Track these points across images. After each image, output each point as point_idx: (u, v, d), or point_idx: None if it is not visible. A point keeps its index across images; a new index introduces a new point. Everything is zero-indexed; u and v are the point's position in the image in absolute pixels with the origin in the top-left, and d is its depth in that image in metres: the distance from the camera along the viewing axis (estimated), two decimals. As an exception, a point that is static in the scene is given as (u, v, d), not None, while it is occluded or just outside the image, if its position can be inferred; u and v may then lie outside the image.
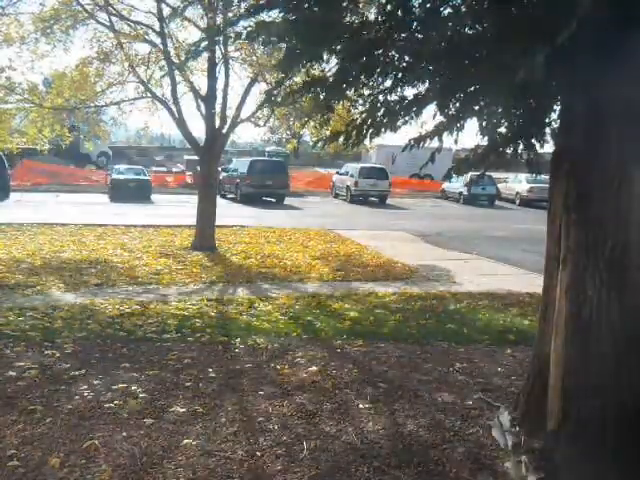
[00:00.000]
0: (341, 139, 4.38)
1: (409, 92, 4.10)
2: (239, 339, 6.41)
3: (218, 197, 14.69)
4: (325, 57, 4.04)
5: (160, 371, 5.37)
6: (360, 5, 4.06)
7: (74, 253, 11.66)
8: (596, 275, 3.50)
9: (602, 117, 3.48)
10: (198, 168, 14.10)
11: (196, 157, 14.81)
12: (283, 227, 16.87)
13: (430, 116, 4.12)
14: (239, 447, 4.03)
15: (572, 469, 3.51)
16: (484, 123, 4.16)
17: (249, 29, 3.93)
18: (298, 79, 4.69)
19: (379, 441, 4.19)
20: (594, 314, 3.51)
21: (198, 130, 14.18)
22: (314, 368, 5.56)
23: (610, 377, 3.50)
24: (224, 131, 12.44)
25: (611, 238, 3.47)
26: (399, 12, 3.81)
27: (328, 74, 4.17)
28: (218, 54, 11.72)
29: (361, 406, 4.77)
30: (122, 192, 25.25)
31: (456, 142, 4.26)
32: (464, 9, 3.68)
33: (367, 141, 4.45)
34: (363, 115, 4.28)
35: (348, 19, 3.98)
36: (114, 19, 11.70)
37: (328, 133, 6.66)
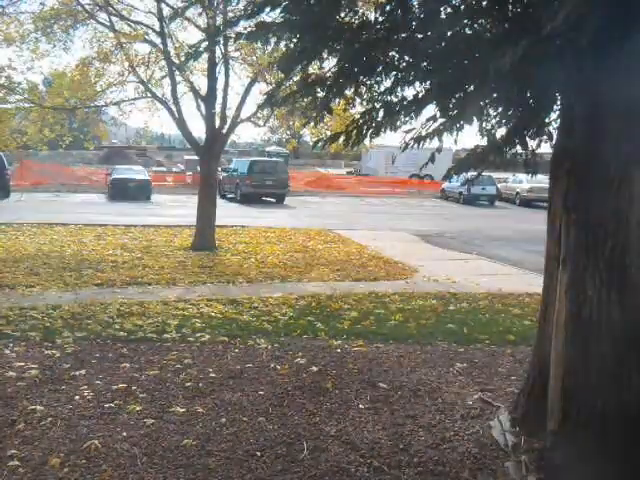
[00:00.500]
0: (341, 139, 4.37)
1: (409, 92, 4.10)
2: (239, 339, 6.40)
3: (218, 197, 14.70)
4: (325, 57, 4.05)
5: (160, 371, 5.37)
6: (359, 5, 4.06)
7: (74, 253, 11.66)
8: (596, 275, 3.50)
9: (602, 117, 3.48)
10: (198, 168, 14.10)
11: (196, 157, 14.81)
12: (283, 227, 16.87)
13: (430, 116, 4.12)
14: (239, 447, 4.03)
15: (572, 469, 3.51)
16: (483, 123, 4.16)
17: (249, 29, 3.93)
18: (298, 79, 4.68)
19: (379, 441, 4.18)
20: (594, 314, 3.52)
21: (198, 130, 14.21)
22: (314, 368, 5.56)
23: (610, 377, 3.50)
24: (224, 131, 12.44)
25: (611, 238, 3.47)
26: (399, 12, 3.81)
27: (328, 74, 4.17)
28: (218, 54, 11.72)
29: (361, 406, 4.77)
30: (122, 192, 25.26)
31: (456, 142, 4.26)
32: (463, 9, 3.68)
33: (367, 141, 4.45)
34: (363, 115, 4.28)
35: (348, 19, 3.98)
36: (114, 19, 11.71)
37: (328, 133, 6.66)
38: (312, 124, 4.97)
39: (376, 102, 4.20)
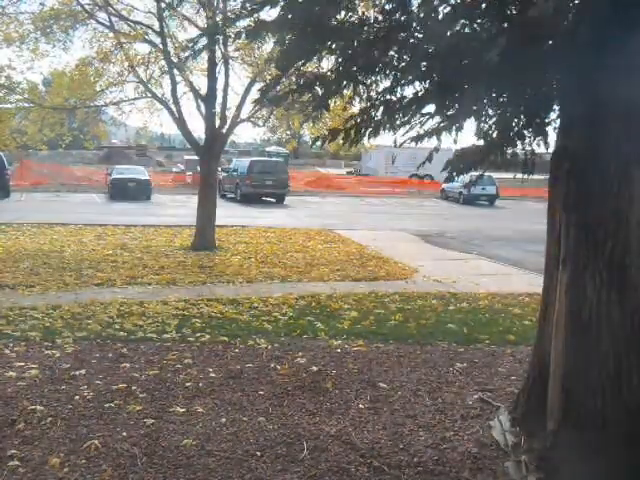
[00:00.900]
0: (340, 138, 4.37)
1: (408, 92, 4.10)
2: (239, 339, 6.40)
3: (218, 197, 14.70)
4: (324, 56, 4.04)
5: (160, 371, 5.37)
6: (358, 4, 4.05)
7: (74, 253, 11.66)
8: (596, 275, 3.50)
9: (602, 117, 3.48)
10: (198, 168, 14.11)
11: (196, 157, 14.81)
12: (283, 227, 16.87)
13: (429, 115, 4.12)
14: (239, 447, 4.03)
15: (572, 469, 3.51)
16: (482, 124, 4.15)
17: (249, 28, 3.93)
18: (296, 77, 4.68)
19: (379, 441, 4.18)
20: (594, 314, 3.51)
21: (198, 130, 14.20)
22: (314, 368, 5.55)
23: (610, 377, 3.50)
24: (224, 131, 12.44)
25: (611, 238, 3.47)
26: (399, 12, 3.80)
27: (327, 73, 4.16)
28: (218, 54, 11.72)
29: (361, 406, 4.77)
30: (122, 192, 25.26)
31: (455, 142, 4.26)
32: (463, 9, 3.67)
33: (366, 141, 4.45)
34: (362, 114, 4.27)
35: (347, 18, 3.97)
36: (114, 19, 11.72)
37: (327, 132, 6.66)
38: (311, 123, 4.96)
39: (375, 101, 4.20)
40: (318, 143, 4.59)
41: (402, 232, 17.06)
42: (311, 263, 11.34)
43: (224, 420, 4.42)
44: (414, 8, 3.80)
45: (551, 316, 3.91)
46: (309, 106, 4.32)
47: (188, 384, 5.09)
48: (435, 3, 3.66)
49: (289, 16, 3.76)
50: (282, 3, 3.73)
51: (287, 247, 13.34)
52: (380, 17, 3.89)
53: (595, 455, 3.42)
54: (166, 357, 5.73)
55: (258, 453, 3.95)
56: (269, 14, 4.05)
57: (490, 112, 4.13)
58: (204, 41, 4.23)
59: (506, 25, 3.57)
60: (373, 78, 4.11)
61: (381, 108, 4.10)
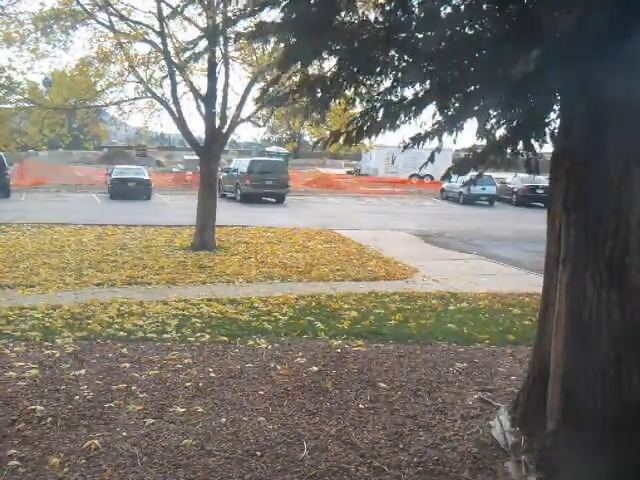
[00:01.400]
0: (342, 139, 4.37)
1: (409, 92, 4.10)
2: (239, 339, 6.41)
3: (218, 197, 14.70)
4: (324, 56, 4.04)
5: (160, 371, 5.37)
6: (359, 5, 4.05)
7: (74, 253, 11.66)
8: (596, 275, 3.50)
9: (602, 117, 3.48)
10: (198, 168, 14.11)
11: (196, 157, 14.81)
12: (283, 227, 16.87)
13: (430, 116, 4.12)
14: (239, 447, 4.03)
15: (572, 469, 3.51)
16: (483, 123, 4.15)
17: (249, 29, 3.93)
18: (297, 78, 4.68)
19: (379, 441, 4.18)
20: (594, 314, 3.51)
21: (198, 130, 14.20)
22: (314, 368, 5.55)
23: (610, 377, 3.50)
24: (224, 131, 12.44)
25: (611, 238, 3.47)
26: (399, 12, 3.81)
27: (328, 74, 4.17)
28: (218, 54, 11.71)
29: (361, 406, 4.77)
30: (122, 192, 25.25)
31: (455, 142, 4.26)
32: (463, 9, 3.68)
33: (367, 141, 4.45)
34: (363, 115, 4.27)
35: (347, 19, 3.97)
36: (114, 19, 11.71)
37: (328, 133, 6.66)
38: (311, 123, 4.96)
39: (376, 102, 4.20)
40: (319, 145, 4.59)
41: (402, 232, 17.06)
42: (311, 263, 11.34)
43: (224, 420, 4.42)
44: (414, 8, 3.80)
45: (551, 316, 3.91)
46: (310, 107, 4.32)
47: (188, 384, 5.09)
48: (435, 3, 3.66)
49: (289, 17, 3.76)
50: (283, 4, 3.73)
51: (287, 247, 13.35)
52: (380, 17, 3.89)
53: (595, 455, 3.42)
54: (166, 357, 5.74)
55: (258, 453, 3.95)
56: (269, 15, 4.06)
57: (490, 112, 4.13)
58: (204, 43, 4.24)
59: (507, 26, 3.58)
60: (374, 79, 4.11)
61: (382, 109, 4.10)
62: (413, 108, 4.04)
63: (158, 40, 11.56)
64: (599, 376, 3.51)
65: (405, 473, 3.76)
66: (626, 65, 3.25)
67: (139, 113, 13.87)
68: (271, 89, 4.88)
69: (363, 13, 4.13)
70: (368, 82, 4.17)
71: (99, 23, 11.84)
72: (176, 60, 11.41)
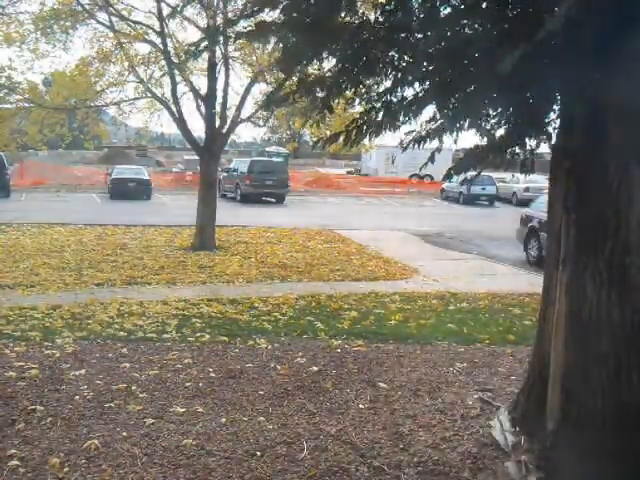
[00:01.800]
0: (341, 139, 4.37)
1: (409, 92, 4.10)
2: (239, 339, 6.41)
3: (218, 197, 14.69)
4: (325, 57, 4.04)
5: (160, 371, 5.37)
6: (359, 5, 4.05)
7: (74, 253, 11.66)
8: (596, 275, 3.50)
9: (602, 117, 3.48)
10: (198, 168, 14.12)
11: (196, 157, 14.81)
12: (283, 227, 16.87)
13: (430, 116, 4.12)
14: (239, 447, 4.03)
15: (572, 469, 3.51)
16: (483, 123, 4.15)
17: (249, 29, 3.93)
18: (297, 79, 4.67)
19: (379, 441, 4.18)
20: (594, 314, 3.51)
21: (198, 130, 14.20)
22: (314, 368, 5.55)
23: (610, 377, 3.50)
24: (224, 131, 12.44)
25: (611, 238, 3.47)
26: (399, 12, 3.80)
27: (327, 74, 4.17)
28: (218, 54, 11.72)
29: (361, 406, 4.77)
30: (122, 192, 25.25)
31: (455, 142, 4.26)
32: (463, 9, 3.68)
33: (367, 141, 4.45)
34: (363, 115, 4.28)
35: (347, 19, 3.97)
36: (114, 19, 11.71)
37: (328, 133, 6.66)
38: (312, 124, 4.96)
39: (376, 102, 4.20)
40: (319, 145, 4.59)
41: (402, 232, 17.06)
42: (311, 263, 11.34)
43: (224, 420, 4.42)
44: (414, 8, 3.80)
45: (551, 316, 3.91)
46: (311, 108, 4.33)
47: (188, 384, 5.09)
48: (436, 4, 3.67)
49: (289, 17, 3.76)
50: (283, 4, 3.73)
51: (287, 247, 13.34)
52: (380, 17, 3.89)
53: (595, 455, 3.42)
54: (166, 357, 5.74)
55: (258, 453, 3.95)
56: (270, 15, 4.05)
57: (491, 112, 4.14)
58: (205, 43, 4.23)
59: (507, 26, 3.57)
60: (374, 79, 4.11)
61: (382, 109, 4.10)
62: (413, 108, 4.04)
63: (158, 40, 11.56)
64: (599, 376, 3.51)
65: (405, 473, 3.77)
66: (626, 65, 3.25)
67: (139, 113, 13.90)
68: (272, 90, 4.87)
69: (363, 13, 4.12)
70: (368, 82, 4.17)
71: (99, 23, 11.85)
72: (176, 60, 11.42)
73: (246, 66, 12.43)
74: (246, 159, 30.11)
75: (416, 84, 4.01)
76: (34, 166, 33.35)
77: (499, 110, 4.17)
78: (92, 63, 12.19)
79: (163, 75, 11.81)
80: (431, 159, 4.27)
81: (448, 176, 4.68)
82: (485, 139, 4.27)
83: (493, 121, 4.22)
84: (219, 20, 10.19)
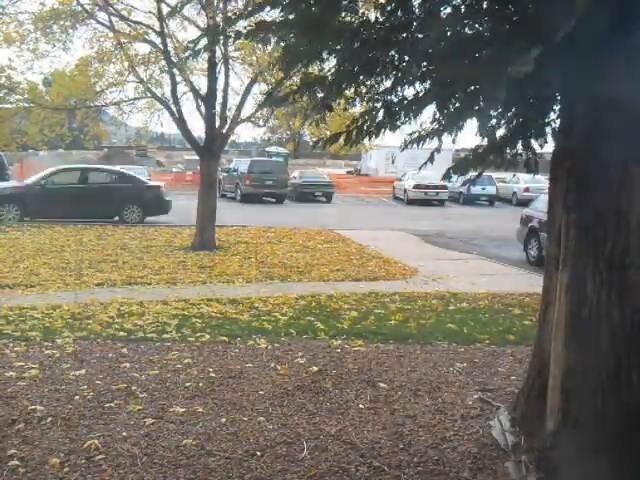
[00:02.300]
0: (341, 139, 4.37)
1: (409, 92, 4.10)
2: (239, 339, 6.41)
3: (218, 197, 14.69)
4: (325, 57, 4.04)
5: (160, 371, 5.37)
6: (359, 5, 4.05)
7: (74, 253, 11.66)
8: (596, 275, 3.50)
9: (602, 117, 3.48)
10: (198, 168, 14.13)
11: (196, 157, 14.82)
12: (283, 227, 16.87)
13: (430, 116, 4.12)
14: (239, 447, 4.03)
15: (572, 469, 3.51)
16: (483, 123, 4.15)
17: (249, 28, 3.92)
18: (297, 79, 4.68)
19: (379, 441, 4.18)
20: (594, 314, 3.51)
21: (198, 130, 14.20)
22: (314, 368, 5.55)
23: (610, 377, 3.50)
24: (224, 131, 12.45)
25: (611, 238, 3.47)
26: (399, 12, 3.80)
27: (327, 74, 4.16)
28: (218, 54, 11.73)
29: (361, 406, 4.77)
30: None
31: (454, 142, 4.25)
32: (464, 9, 3.68)
33: (367, 141, 4.45)
34: (363, 115, 4.27)
35: (348, 19, 3.97)
36: (114, 19, 11.72)
37: (328, 133, 6.66)
38: (312, 123, 4.96)
39: (376, 102, 4.20)
40: (319, 145, 4.59)
41: (402, 232, 17.06)
42: (311, 263, 11.34)
43: (224, 420, 4.42)
44: (414, 8, 3.80)
45: (551, 316, 3.91)
46: (311, 108, 4.32)
47: (188, 384, 5.09)
48: (436, 3, 3.66)
49: (290, 17, 3.76)
50: (283, 3, 3.72)
51: (287, 247, 13.35)
52: (380, 17, 3.89)
53: (595, 455, 3.43)
54: (166, 357, 5.74)
55: (258, 453, 3.95)
56: (270, 14, 4.05)
57: (491, 112, 4.13)
58: (204, 42, 4.23)
59: (507, 26, 3.57)
60: (374, 79, 4.11)
61: (382, 109, 4.10)
62: (413, 108, 4.04)
63: (158, 40, 11.57)
64: (599, 376, 3.51)
65: (405, 473, 3.76)
66: (626, 65, 3.25)
67: (139, 113, 13.91)
68: (275, 93, 4.88)
69: (363, 13, 4.12)
70: (368, 82, 4.16)
71: (99, 23, 11.86)
72: (176, 60, 11.42)
73: (246, 66, 12.44)
74: (246, 159, 30.14)
75: (416, 84, 4.01)
76: (34, 166, 33.29)
77: (499, 110, 4.17)
78: (92, 63, 12.21)
79: (162, 73, 11.81)
80: (430, 159, 4.27)
81: (447, 176, 4.68)
82: (485, 139, 4.27)
83: (493, 121, 4.22)
84: (219, 20, 10.20)
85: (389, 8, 3.83)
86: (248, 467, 3.78)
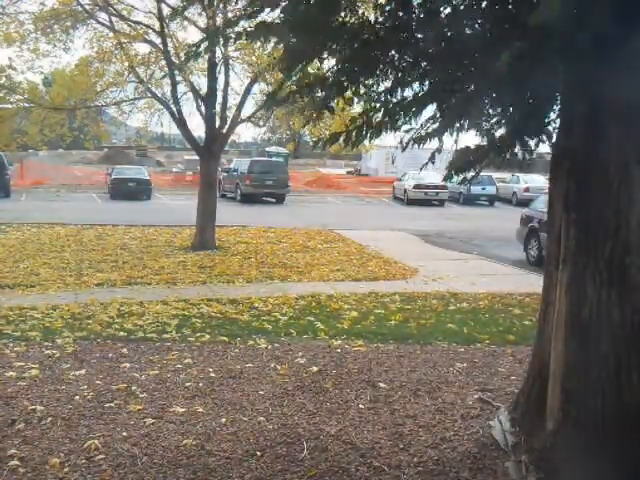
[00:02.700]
0: (341, 139, 4.37)
1: (409, 92, 4.10)
2: (239, 339, 6.41)
3: (218, 197, 14.69)
4: (325, 57, 4.04)
5: (160, 371, 5.37)
6: (359, 5, 4.05)
7: (74, 253, 11.67)
8: (596, 275, 3.50)
9: (602, 117, 3.48)
10: (198, 168, 14.13)
11: (196, 157, 14.82)
12: (283, 227, 16.87)
13: (430, 116, 4.12)
14: (239, 447, 4.03)
15: (572, 469, 3.51)
16: (483, 123, 4.15)
17: (249, 29, 3.92)
18: (297, 79, 4.67)
19: (379, 441, 4.18)
20: (594, 314, 3.51)
21: (198, 130, 14.20)
22: (314, 368, 5.56)
23: (610, 377, 3.50)
24: (224, 131, 12.45)
25: (611, 238, 3.47)
26: (399, 12, 3.80)
27: (327, 74, 4.16)
28: (218, 54, 11.72)
29: (361, 406, 4.77)
30: (122, 192, 25.26)
31: (456, 142, 4.25)
32: (463, 9, 3.68)
33: (367, 142, 4.45)
34: (363, 115, 4.27)
35: (347, 19, 3.97)
36: (114, 19, 11.72)
37: (328, 133, 6.66)
38: (312, 124, 4.96)
39: (376, 102, 4.20)
40: (319, 145, 4.59)
41: (402, 232, 17.06)
42: (311, 263, 11.34)
43: (224, 420, 4.42)
44: (414, 8, 3.80)
45: (551, 316, 3.91)
46: (311, 108, 4.32)
47: (188, 384, 5.09)
48: (436, 3, 3.66)
49: (290, 17, 3.76)
50: (283, 4, 3.72)
51: (287, 247, 13.35)
52: (380, 17, 3.89)
53: (595, 455, 3.43)
54: (166, 357, 5.74)
55: (258, 453, 3.95)
56: (270, 15, 4.05)
57: (490, 112, 4.13)
58: (205, 44, 4.23)
59: (507, 26, 3.57)
60: (374, 79, 4.11)
61: (382, 109, 4.10)
62: (413, 108, 4.04)
63: (158, 40, 11.57)
64: (599, 376, 3.51)
65: (405, 473, 3.76)
66: (626, 65, 3.25)
67: (139, 113, 13.91)
68: (272, 90, 4.87)
69: (363, 13, 4.12)
70: (368, 82, 4.16)
71: (99, 23, 11.86)
72: (176, 60, 11.42)
73: (246, 66, 12.43)
74: (246, 159, 30.12)
75: (416, 84, 4.01)
76: (34, 166, 33.37)
77: (499, 110, 4.17)
78: (92, 63, 12.21)
79: (164, 76, 11.80)
80: (431, 159, 4.27)
81: (448, 177, 4.67)
82: (485, 139, 4.27)
83: (493, 121, 4.22)
84: (219, 20, 10.19)
85: (389, 8, 3.83)
86: (248, 467, 3.78)
